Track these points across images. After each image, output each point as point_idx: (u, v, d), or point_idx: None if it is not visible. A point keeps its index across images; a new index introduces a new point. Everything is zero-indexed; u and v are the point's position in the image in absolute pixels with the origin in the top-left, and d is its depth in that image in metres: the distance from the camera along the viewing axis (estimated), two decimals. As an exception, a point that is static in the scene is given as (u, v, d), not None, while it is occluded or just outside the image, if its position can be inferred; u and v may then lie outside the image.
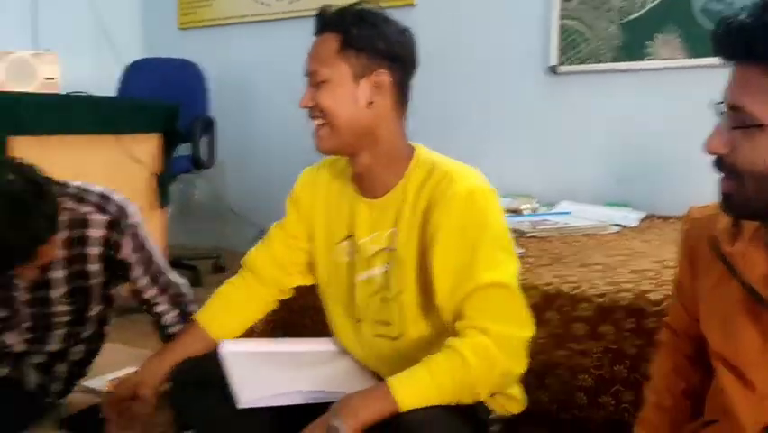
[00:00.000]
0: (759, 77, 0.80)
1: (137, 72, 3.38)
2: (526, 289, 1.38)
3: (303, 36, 1.25)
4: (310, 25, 1.21)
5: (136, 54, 3.71)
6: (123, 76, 3.38)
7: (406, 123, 1.22)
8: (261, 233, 1.41)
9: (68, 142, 2.28)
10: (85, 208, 1.46)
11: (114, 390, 1.32)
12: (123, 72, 3.39)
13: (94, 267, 1.51)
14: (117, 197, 1.52)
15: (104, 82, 3.14)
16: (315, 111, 1.17)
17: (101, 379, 1.83)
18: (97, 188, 1.51)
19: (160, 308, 1.59)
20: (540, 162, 2.98)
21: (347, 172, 1.27)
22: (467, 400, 1.04)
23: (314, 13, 1.21)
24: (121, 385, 1.30)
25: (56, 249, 1.43)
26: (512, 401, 1.19)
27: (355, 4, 1.19)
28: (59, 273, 1.49)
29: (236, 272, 1.42)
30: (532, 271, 1.69)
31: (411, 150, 1.21)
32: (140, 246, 1.53)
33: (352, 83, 1.15)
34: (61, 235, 1.42)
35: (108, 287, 1.60)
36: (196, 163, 3.02)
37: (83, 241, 1.47)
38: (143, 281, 1.56)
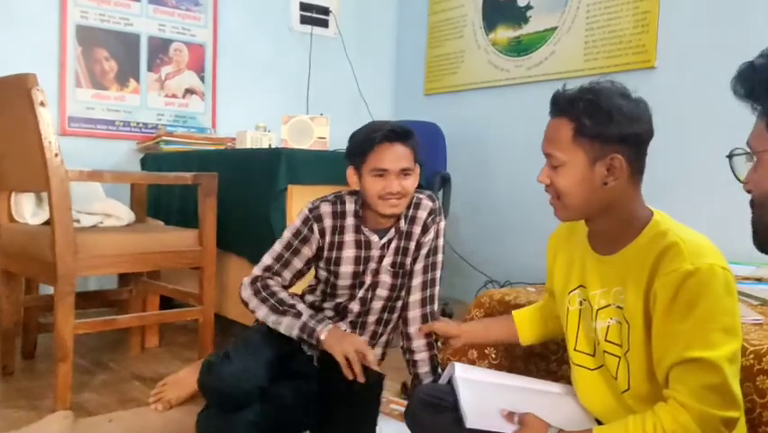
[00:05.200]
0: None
1: (387, 132, 3.82)
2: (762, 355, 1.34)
3: (536, 100, 1.38)
4: (544, 90, 1.31)
5: (387, 116, 4.20)
6: (375, 136, 3.83)
7: (640, 186, 1.24)
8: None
9: (335, 190, 2.62)
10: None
11: None
12: (375, 132, 3.84)
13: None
14: None
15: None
16: (551, 189, 1.25)
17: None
18: None
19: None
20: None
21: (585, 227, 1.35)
22: None
23: (550, 78, 1.32)
24: None
25: None
26: None
27: (590, 86, 1.21)
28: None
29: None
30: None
31: (649, 214, 1.23)
32: None
33: (587, 167, 1.19)
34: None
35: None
36: (433, 214, 3.29)
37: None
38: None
